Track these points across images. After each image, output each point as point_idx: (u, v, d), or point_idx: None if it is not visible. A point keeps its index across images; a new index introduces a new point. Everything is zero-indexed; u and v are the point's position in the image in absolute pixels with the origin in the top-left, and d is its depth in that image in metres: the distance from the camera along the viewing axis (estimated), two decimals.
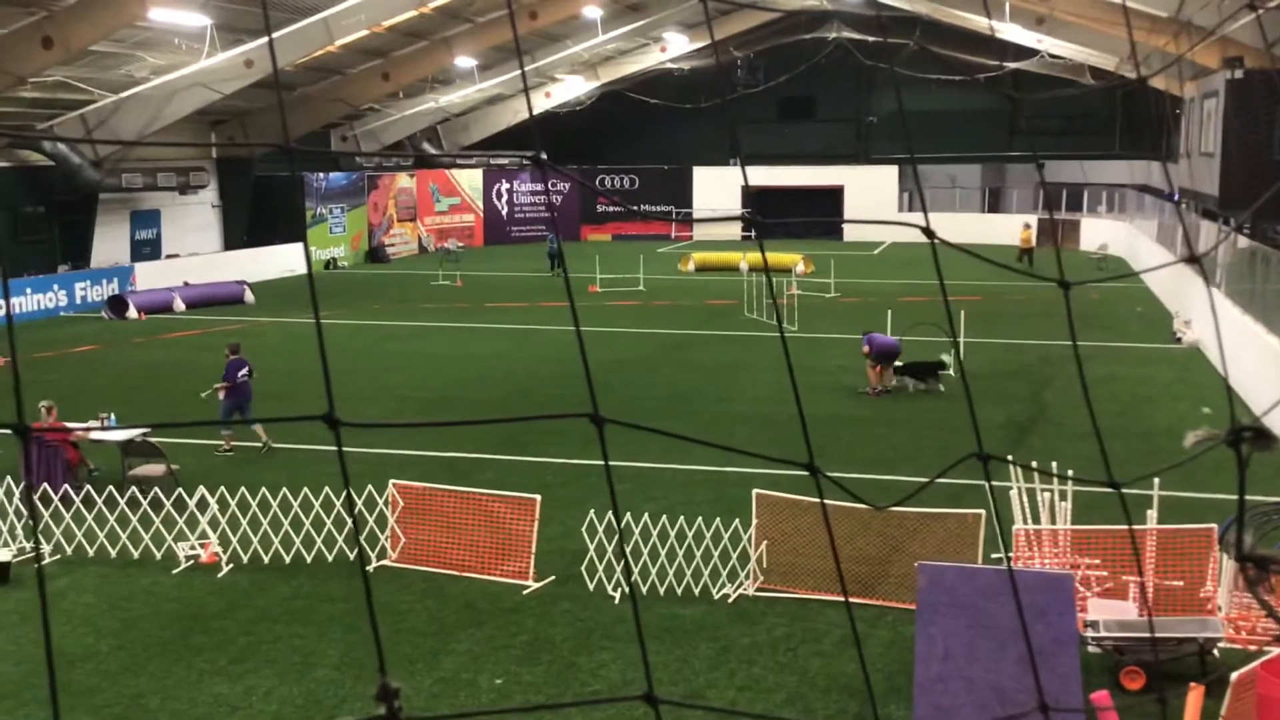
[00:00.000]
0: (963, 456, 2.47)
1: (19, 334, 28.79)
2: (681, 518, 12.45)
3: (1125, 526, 11.22)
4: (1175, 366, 23.11)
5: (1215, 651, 9.96)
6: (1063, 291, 2.30)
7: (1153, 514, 11.16)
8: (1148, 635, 9.78)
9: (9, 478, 13.81)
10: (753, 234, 54.07)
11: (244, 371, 17.38)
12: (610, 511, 12.57)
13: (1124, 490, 2.15)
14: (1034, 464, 9.33)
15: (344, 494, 13.25)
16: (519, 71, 44.93)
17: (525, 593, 11.86)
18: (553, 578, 12.19)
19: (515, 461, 16.53)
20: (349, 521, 13.08)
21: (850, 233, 53.81)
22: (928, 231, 2.04)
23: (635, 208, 55.70)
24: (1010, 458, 15.32)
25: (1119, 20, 31.14)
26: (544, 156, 2.26)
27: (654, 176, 55.59)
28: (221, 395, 17.43)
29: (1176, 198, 33.91)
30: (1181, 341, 25.43)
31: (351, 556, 12.65)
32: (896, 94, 53.13)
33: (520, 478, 15.44)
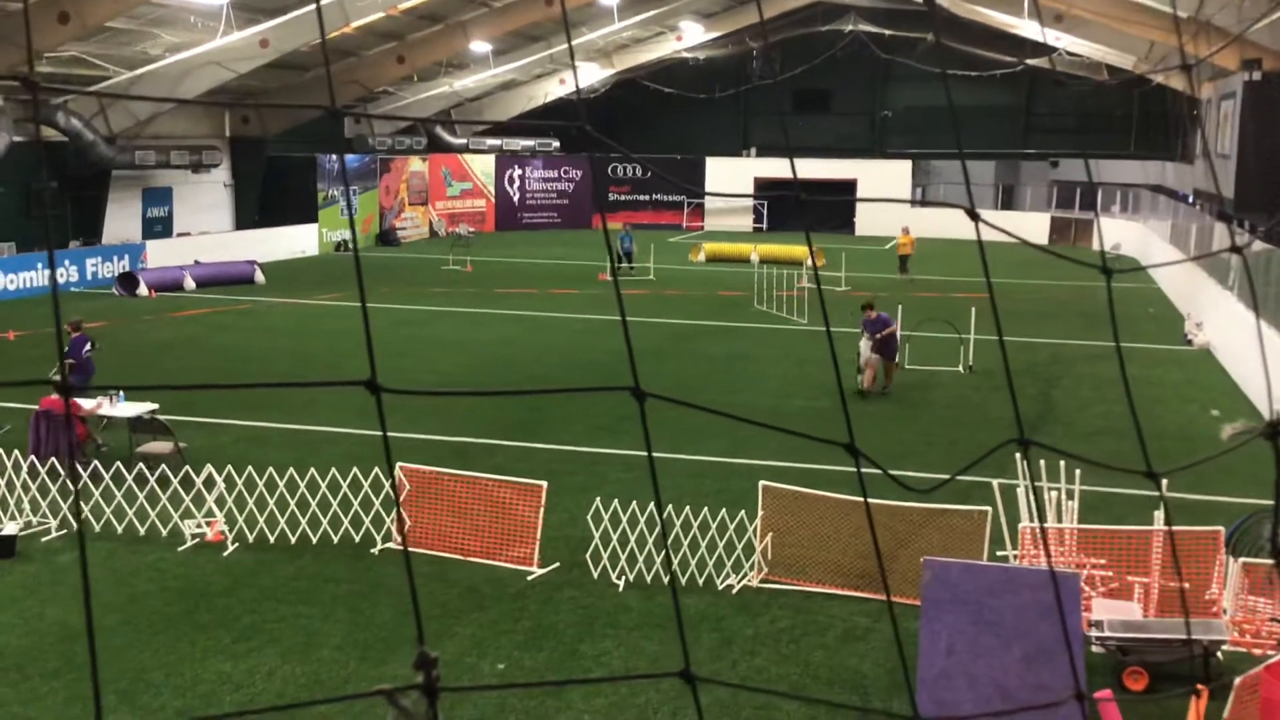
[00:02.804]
0: (1002, 442, 2.44)
1: (30, 309, 28.85)
2: (688, 507, 12.44)
3: (1129, 528, 11.20)
4: (1186, 368, 23.04)
5: (1219, 654, 9.94)
6: (1105, 279, 2.30)
7: (1159, 515, 11.13)
8: (1152, 636, 9.76)
9: (17, 452, 13.87)
10: (764, 225, 54.11)
11: (87, 348, 17.23)
12: (616, 500, 12.52)
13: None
14: (1063, 462, 9.31)
15: (349, 477, 13.26)
16: (542, 55, 44.94)
17: (529, 579, 11.87)
18: (557, 564, 12.19)
19: (522, 448, 16.54)
20: (355, 504, 13.07)
21: (862, 226, 53.71)
22: (971, 214, 2.03)
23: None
24: (1020, 457, 15.26)
25: (1137, 19, 30.97)
26: (588, 128, 2.26)
27: (667, 166, 55.49)
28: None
29: (1191, 199, 33.77)
30: (1193, 343, 25.34)
31: (357, 538, 12.66)
32: (931, 85, 52.83)
33: (527, 464, 15.45)
